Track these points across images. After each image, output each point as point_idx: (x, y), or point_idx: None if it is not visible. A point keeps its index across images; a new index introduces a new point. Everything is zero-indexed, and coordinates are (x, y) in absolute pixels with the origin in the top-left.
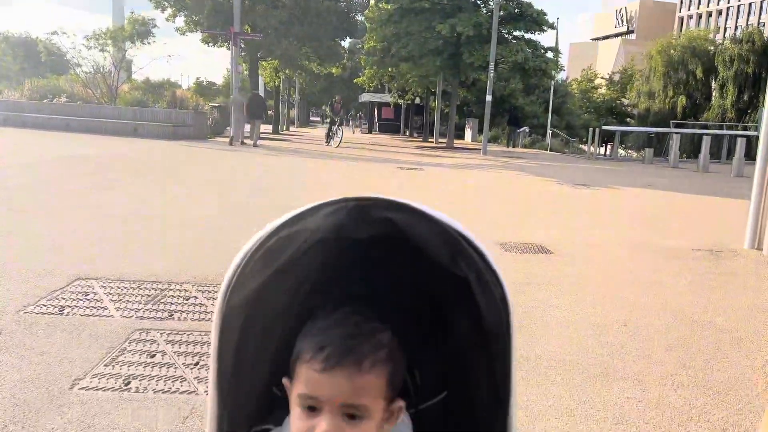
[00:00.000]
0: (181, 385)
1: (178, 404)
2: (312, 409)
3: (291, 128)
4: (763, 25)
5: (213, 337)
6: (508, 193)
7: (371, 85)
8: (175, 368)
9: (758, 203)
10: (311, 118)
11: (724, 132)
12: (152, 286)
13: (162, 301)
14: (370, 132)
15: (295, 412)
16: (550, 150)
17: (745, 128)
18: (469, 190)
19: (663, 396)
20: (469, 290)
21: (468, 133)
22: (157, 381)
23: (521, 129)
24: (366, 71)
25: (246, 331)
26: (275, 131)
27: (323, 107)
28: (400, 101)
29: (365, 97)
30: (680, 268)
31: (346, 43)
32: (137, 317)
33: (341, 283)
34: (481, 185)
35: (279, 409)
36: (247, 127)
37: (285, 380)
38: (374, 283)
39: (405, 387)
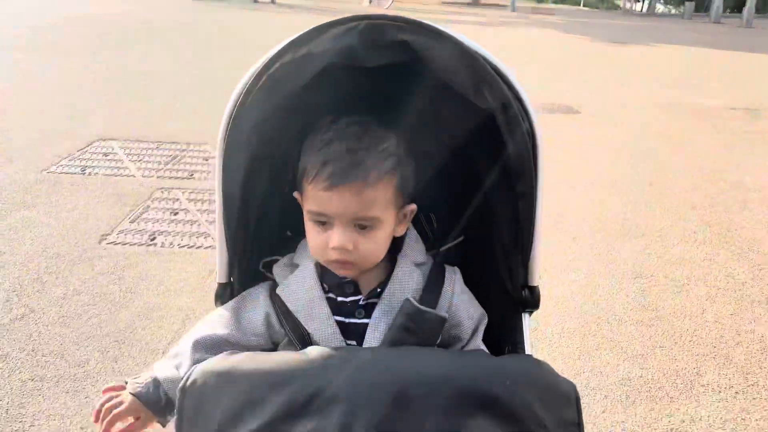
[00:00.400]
0: (205, 241)
1: (203, 258)
2: (323, 223)
3: None
4: None
5: (216, 180)
6: (537, 51)
7: None
8: (198, 225)
9: None
10: None
11: None
12: (172, 146)
13: (182, 161)
14: None
15: (308, 226)
16: (584, 6)
17: None
18: (496, 50)
19: (684, 252)
20: (494, 123)
21: None
22: (181, 237)
23: None
24: None
25: (251, 172)
26: None
27: None
28: None
29: None
30: (714, 127)
31: None
32: (158, 177)
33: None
34: (509, 44)
35: (290, 249)
36: None
37: (296, 194)
38: (389, 117)
39: (422, 230)
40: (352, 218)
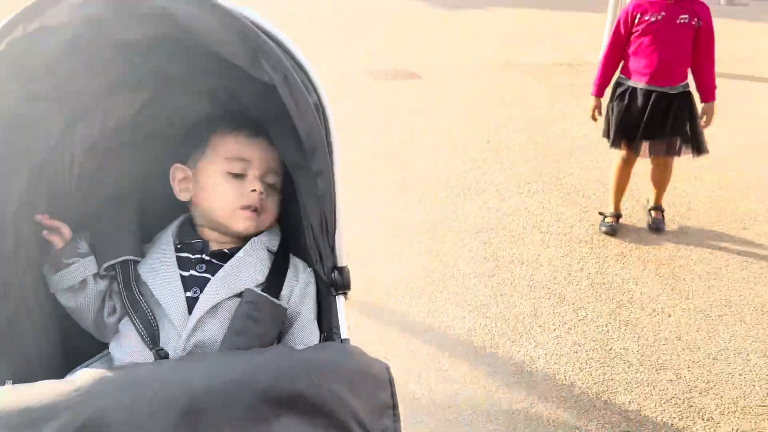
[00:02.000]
0: None
1: None
2: (237, 175)
3: None
4: None
5: None
6: (376, 18)
7: None
8: None
9: (613, 14)
10: None
11: None
12: None
13: None
14: None
15: (218, 182)
16: None
17: None
18: (332, 17)
19: (520, 203)
20: (276, 95)
21: None
22: None
23: None
24: None
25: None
26: None
27: None
28: None
29: None
30: (542, 82)
31: None
32: None
33: (128, 98)
34: (347, 9)
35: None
36: None
37: (178, 167)
38: (175, 103)
39: None
40: (267, 169)
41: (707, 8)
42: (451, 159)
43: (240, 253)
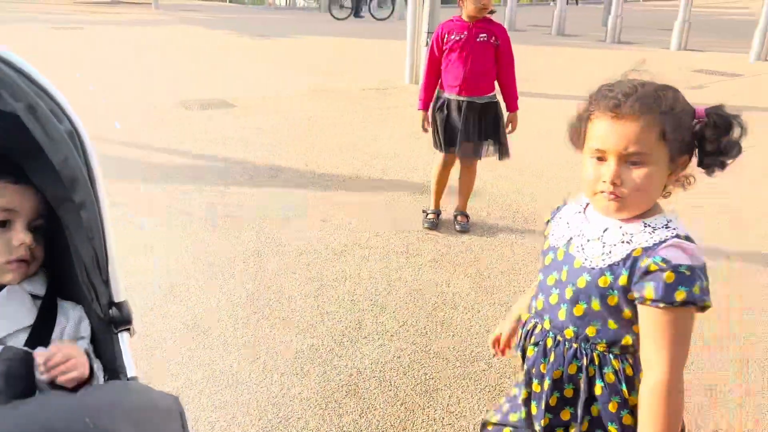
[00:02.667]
0: None
1: None
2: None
3: None
4: None
5: None
6: (186, 49)
7: None
8: None
9: (412, 42)
10: None
11: None
12: None
13: None
14: None
15: None
16: (230, 2)
17: None
18: (142, 50)
19: (340, 222)
20: (21, 126)
21: None
22: None
23: None
24: None
25: None
26: None
27: None
28: None
29: None
30: (353, 106)
31: None
32: None
33: None
34: (158, 44)
35: None
36: None
37: None
38: None
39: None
40: (33, 216)
41: (504, 29)
42: (270, 185)
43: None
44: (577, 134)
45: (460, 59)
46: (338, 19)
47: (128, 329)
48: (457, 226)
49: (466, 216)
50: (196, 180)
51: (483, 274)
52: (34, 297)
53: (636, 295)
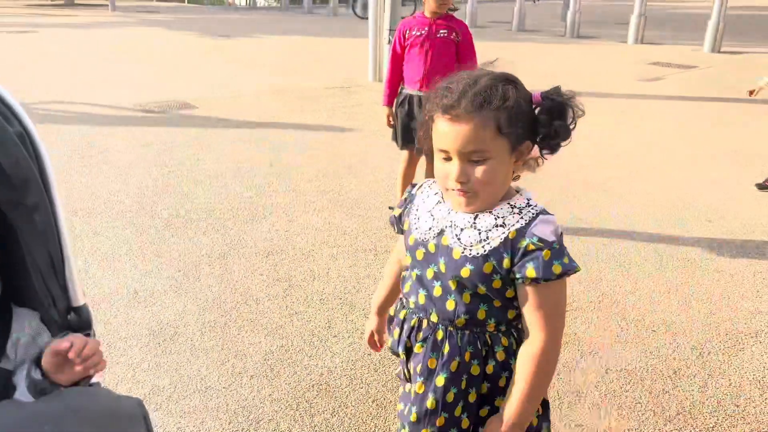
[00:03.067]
0: None
1: None
2: None
3: None
4: None
5: None
6: (145, 51)
7: None
8: None
9: (374, 39)
10: None
11: None
12: None
13: None
14: None
15: None
16: (189, 2)
17: None
18: (100, 53)
19: (307, 222)
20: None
21: None
22: None
23: None
24: None
25: None
26: None
27: None
28: None
29: None
30: (318, 105)
31: None
32: None
33: None
34: (114, 46)
35: None
36: None
37: None
38: None
39: None
40: None
41: (465, 25)
42: (234, 186)
43: None
44: (424, 136)
45: (421, 55)
46: (361, 18)
47: (88, 334)
48: None
49: None
50: (158, 183)
51: None
52: None
53: (517, 275)
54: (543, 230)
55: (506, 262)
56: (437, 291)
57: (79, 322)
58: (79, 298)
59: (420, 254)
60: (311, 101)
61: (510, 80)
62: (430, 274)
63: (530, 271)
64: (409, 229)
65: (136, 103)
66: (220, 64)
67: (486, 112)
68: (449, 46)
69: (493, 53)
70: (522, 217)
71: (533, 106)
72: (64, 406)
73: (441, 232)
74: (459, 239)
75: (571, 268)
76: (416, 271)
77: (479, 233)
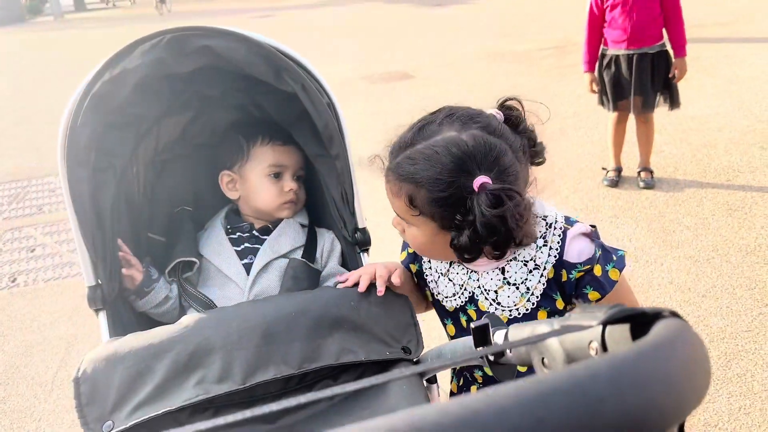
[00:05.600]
0: (71, 270)
1: (72, 287)
2: (276, 176)
3: None
4: None
5: (65, 196)
6: (366, 25)
7: None
8: (60, 256)
9: None
10: None
11: None
12: (12, 185)
13: (27, 198)
14: None
15: (263, 183)
16: None
17: None
18: (326, 29)
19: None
20: (299, 100)
21: None
22: (44, 271)
23: None
24: None
25: (96, 184)
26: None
27: None
28: None
29: None
30: (531, 67)
31: None
32: (4, 219)
33: (177, 119)
34: (338, 21)
35: (156, 253)
36: None
37: (225, 173)
38: (211, 119)
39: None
40: (297, 169)
41: None
42: None
43: (280, 227)
44: None
45: (624, 12)
46: None
47: (367, 249)
48: (640, 183)
49: (650, 172)
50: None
51: (667, 229)
52: (302, 226)
53: (582, 302)
54: (579, 249)
55: (559, 303)
56: None
57: (364, 239)
58: (363, 221)
59: (463, 322)
60: (524, 64)
61: (464, 157)
62: None
63: (593, 294)
64: (436, 290)
65: (361, 75)
66: (435, 32)
67: (403, 183)
68: None
69: None
70: (550, 247)
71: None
72: (360, 291)
73: (472, 299)
74: (499, 304)
75: (623, 264)
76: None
77: (517, 288)
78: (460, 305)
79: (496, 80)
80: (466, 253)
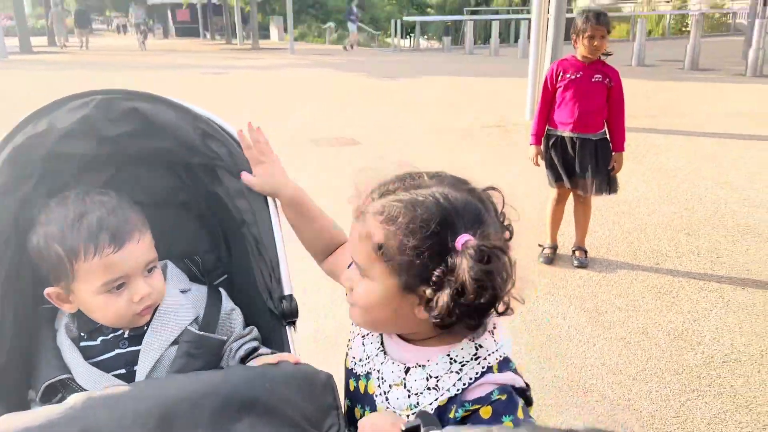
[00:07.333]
0: None
1: None
2: (119, 286)
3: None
4: None
5: None
6: (317, 90)
7: None
8: None
9: (534, 79)
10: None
11: (511, 16)
12: None
13: None
14: (165, 37)
15: (101, 298)
16: (358, 45)
17: (528, 12)
18: (278, 91)
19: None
20: (222, 162)
21: (274, 33)
22: None
23: (326, 25)
24: None
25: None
26: (50, 43)
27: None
28: (195, 0)
29: None
30: (473, 143)
31: None
32: None
33: (99, 179)
34: (291, 85)
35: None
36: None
37: (51, 290)
38: (133, 174)
39: (191, 271)
40: (147, 262)
41: (617, 72)
42: None
43: (156, 317)
44: None
45: (575, 97)
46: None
47: (294, 322)
48: (575, 261)
49: (585, 251)
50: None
51: (600, 309)
52: (183, 292)
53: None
54: (484, 391)
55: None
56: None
57: (290, 309)
58: (289, 287)
59: (351, 385)
60: (467, 140)
61: (451, 211)
62: (357, 413)
63: None
64: (350, 345)
65: (309, 138)
66: (385, 102)
67: (380, 224)
68: (602, 90)
69: (660, 93)
70: (460, 378)
71: (452, 249)
72: (280, 371)
73: (368, 375)
74: (387, 399)
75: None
76: (346, 401)
77: (409, 396)
78: (357, 372)
79: (441, 153)
80: (440, 318)
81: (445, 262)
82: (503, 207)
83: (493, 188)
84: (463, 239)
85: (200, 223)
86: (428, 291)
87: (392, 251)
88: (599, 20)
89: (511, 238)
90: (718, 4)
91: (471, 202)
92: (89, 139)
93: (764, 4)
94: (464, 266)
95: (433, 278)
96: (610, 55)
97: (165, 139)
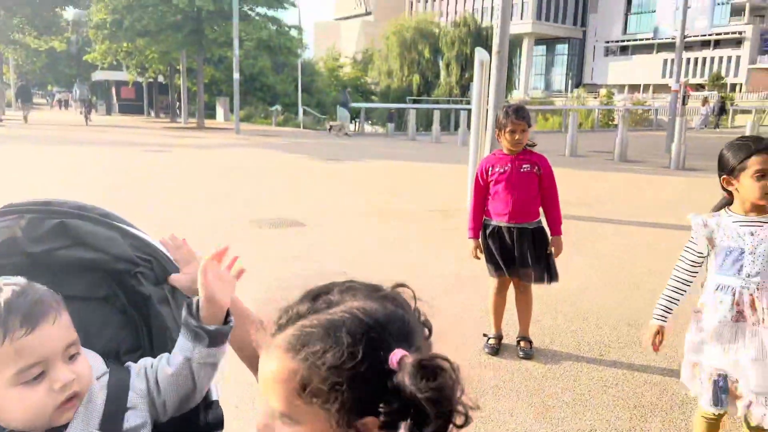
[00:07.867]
0: None
1: None
2: (39, 374)
3: (8, 112)
4: (477, 12)
5: None
6: (262, 171)
7: (105, 61)
8: None
9: (474, 167)
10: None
11: (451, 106)
12: None
13: None
14: (108, 114)
15: (12, 394)
16: (303, 127)
17: (468, 102)
18: (221, 171)
19: None
20: (150, 274)
21: (220, 113)
22: None
23: (273, 107)
24: (97, 46)
25: None
26: None
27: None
28: (141, 79)
29: (99, 75)
30: (417, 227)
31: (69, 14)
32: None
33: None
34: (235, 165)
35: None
36: None
37: None
38: (49, 268)
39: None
40: (68, 345)
41: (545, 158)
42: None
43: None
44: None
45: (507, 189)
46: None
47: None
48: (520, 353)
49: (529, 341)
50: (263, 294)
51: (547, 404)
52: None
53: None
54: None
55: None
56: None
57: (215, 417)
58: (216, 393)
59: None
60: (410, 224)
61: (375, 326)
62: None
63: None
64: None
65: (251, 219)
66: (329, 184)
67: (297, 362)
68: (532, 179)
69: (592, 183)
70: None
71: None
72: None
73: None
74: None
75: None
76: None
77: None
78: None
79: (384, 235)
80: None
81: (386, 387)
82: (415, 303)
83: (402, 285)
84: (398, 356)
85: (124, 318)
86: (368, 419)
87: (318, 389)
88: (518, 114)
89: (430, 335)
90: (641, 100)
91: (393, 311)
92: (13, 256)
93: (683, 104)
94: (409, 385)
95: (380, 409)
96: (534, 146)
97: (91, 251)
